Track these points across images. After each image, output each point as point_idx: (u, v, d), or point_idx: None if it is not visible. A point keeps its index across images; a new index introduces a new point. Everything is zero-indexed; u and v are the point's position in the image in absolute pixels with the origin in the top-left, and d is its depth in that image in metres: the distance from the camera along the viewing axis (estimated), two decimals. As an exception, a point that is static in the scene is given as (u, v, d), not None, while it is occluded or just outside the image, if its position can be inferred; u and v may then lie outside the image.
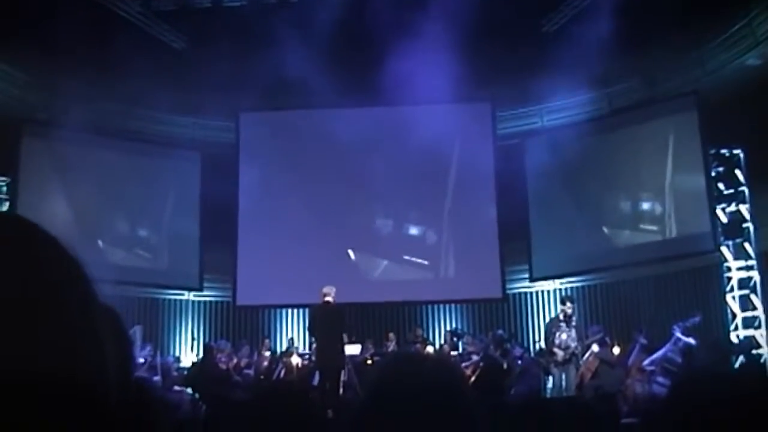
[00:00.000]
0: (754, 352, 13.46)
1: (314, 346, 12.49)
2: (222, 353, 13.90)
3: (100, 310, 0.70)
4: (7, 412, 0.60)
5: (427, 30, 13.63)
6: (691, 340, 12.02)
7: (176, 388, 13.10)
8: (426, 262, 16.81)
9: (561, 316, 12.70)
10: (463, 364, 13.01)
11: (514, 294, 17.29)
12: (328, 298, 11.85)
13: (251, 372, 14.08)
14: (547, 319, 15.66)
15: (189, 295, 17.46)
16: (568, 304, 12.97)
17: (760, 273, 13.98)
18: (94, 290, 0.70)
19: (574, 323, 12.66)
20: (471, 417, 1.43)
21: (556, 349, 12.42)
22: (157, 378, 12.97)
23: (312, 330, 12.34)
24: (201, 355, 14.74)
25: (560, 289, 16.81)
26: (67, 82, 14.98)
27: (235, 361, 14.01)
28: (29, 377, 0.61)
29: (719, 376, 1.64)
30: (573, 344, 12.33)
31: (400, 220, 16.95)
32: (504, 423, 2.15)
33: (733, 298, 14.20)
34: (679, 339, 11.96)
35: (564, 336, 12.42)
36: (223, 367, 13.53)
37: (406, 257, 16.86)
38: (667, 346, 12.02)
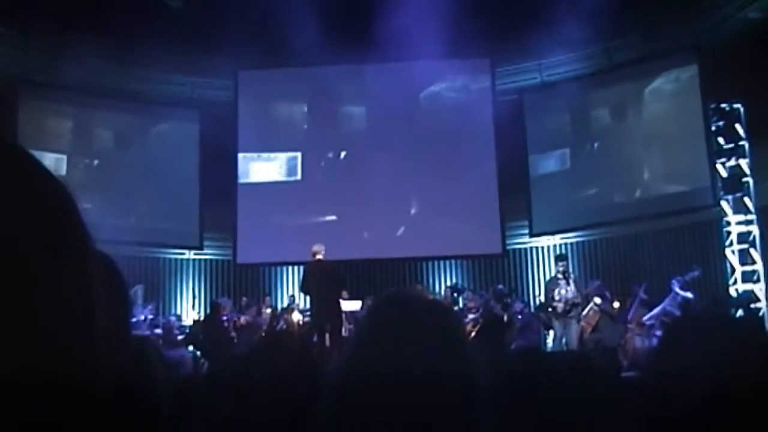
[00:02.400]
0: (752, 306, 13.51)
1: (311, 304, 12.53)
2: (222, 310, 13.98)
3: (94, 252, 0.68)
4: None
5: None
6: (689, 295, 12.09)
7: (178, 346, 13.18)
8: (426, 218, 16.81)
9: (559, 275, 12.78)
10: (467, 324, 13.06)
11: (513, 249, 17.33)
12: (319, 256, 11.90)
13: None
14: (547, 274, 15.77)
15: (189, 254, 17.51)
16: (561, 263, 13.05)
17: (759, 227, 13.98)
18: (86, 227, 0.68)
19: (572, 278, 12.75)
20: (466, 360, 1.43)
21: (556, 303, 12.50)
22: (159, 335, 13.06)
23: (304, 288, 12.35)
24: (207, 311, 14.82)
25: (560, 245, 16.85)
26: (64, 43, 14.88)
27: (242, 320, 14.07)
28: (11, 326, 0.60)
29: (713, 321, 1.64)
30: (571, 296, 12.41)
31: (399, 176, 16.89)
32: (503, 377, 2.16)
33: (733, 252, 14.22)
34: (677, 294, 12.02)
35: (563, 291, 12.49)
36: (226, 324, 13.61)
37: (406, 213, 16.86)
38: (667, 300, 12.09)
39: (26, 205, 0.64)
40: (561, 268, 12.86)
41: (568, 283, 12.58)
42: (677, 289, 12.09)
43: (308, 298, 12.97)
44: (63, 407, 0.62)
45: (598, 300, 12.31)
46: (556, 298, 12.55)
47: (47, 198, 0.66)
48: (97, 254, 0.69)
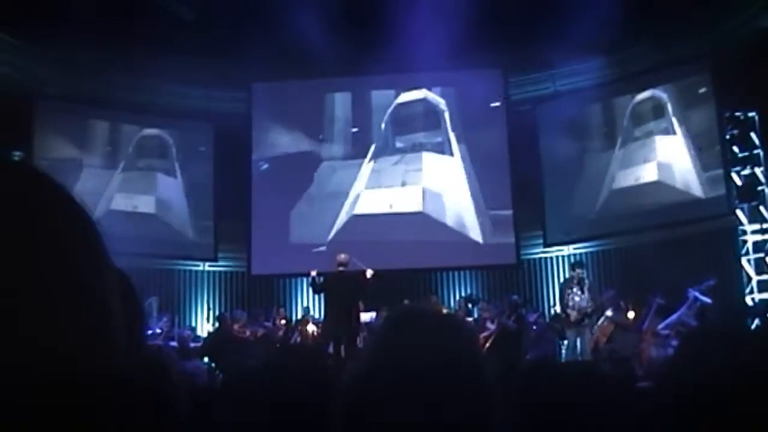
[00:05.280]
0: (769, 315, 13.44)
1: (327, 314, 12.57)
2: (238, 323, 13.97)
3: (112, 270, 0.69)
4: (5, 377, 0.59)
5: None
6: (708, 300, 12.04)
7: (193, 358, 13.18)
8: (440, 230, 16.81)
9: (573, 281, 12.78)
10: (481, 335, 13.04)
11: (528, 260, 17.29)
12: (342, 267, 11.97)
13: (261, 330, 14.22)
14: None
15: (204, 266, 17.53)
16: (579, 269, 13.05)
17: (775, 236, 13.93)
18: (105, 248, 0.69)
19: (587, 286, 12.74)
20: (481, 375, 1.44)
21: (569, 311, 12.51)
22: (173, 347, 13.07)
23: (317, 291, 12.47)
24: (216, 325, 14.84)
25: (574, 255, 16.80)
26: (77, 56, 14.97)
27: (248, 333, 14.06)
28: (26, 338, 0.60)
29: (729, 332, 1.64)
30: (585, 304, 12.42)
31: (414, 188, 16.94)
32: (516, 387, 2.16)
33: (748, 261, 14.15)
34: (696, 299, 11.96)
35: (577, 298, 12.51)
36: (240, 336, 13.60)
37: (420, 225, 16.85)
38: (682, 309, 12.02)
39: (44, 223, 0.65)
40: (577, 274, 12.89)
41: (582, 291, 12.58)
42: (697, 294, 12.04)
43: (323, 307, 13.05)
44: (81, 420, 0.63)
45: (609, 312, 12.29)
46: (570, 304, 12.57)
47: (64, 216, 0.67)
48: (114, 269, 0.70)
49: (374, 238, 16.28)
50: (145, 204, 16.62)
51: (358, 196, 17.10)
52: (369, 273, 12.33)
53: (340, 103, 17.65)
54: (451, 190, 16.85)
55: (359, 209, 17.01)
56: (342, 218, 17.00)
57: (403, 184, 17.04)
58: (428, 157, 17.09)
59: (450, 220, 16.81)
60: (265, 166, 17.40)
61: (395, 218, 16.84)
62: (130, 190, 16.55)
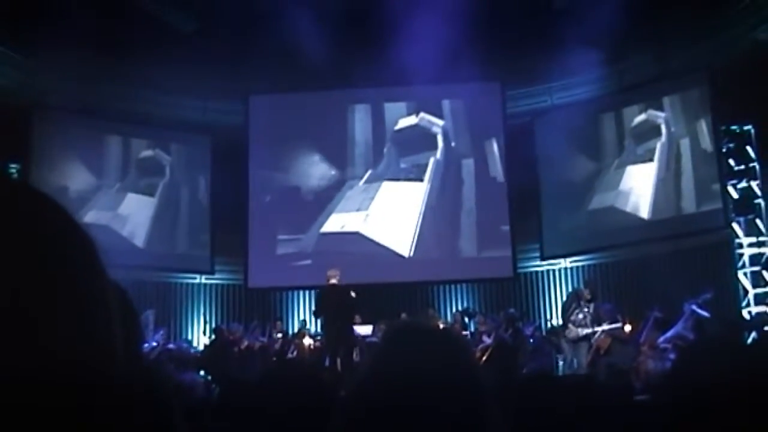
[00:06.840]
0: (766, 328, 13.42)
1: (324, 328, 12.57)
2: (234, 336, 13.97)
3: (110, 284, 0.69)
4: (8, 391, 0.59)
5: (436, 8, 13.56)
6: (705, 313, 12.05)
7: (189, 370, 13.16)
8: (437, 243, 16.82)
9: (582, 298, 12.83)
10: (478, 347, 13.03)
11: (525, 273, 17.28)
12: (333, 281, 11.96)
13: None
14: (558, 297, 15.79)
15: (201, 279, 17.51)
16: (588, 290, 13.11)
17: (771, 249, 13.93)
18: (103, 264, 0.70)
19: (592, 307, 12.76)
20: (478, 389, 1.43)
21: (570, 326, 12.52)
22: (170, 360, 13.05)
23: (317, 313, 12.44)
24: (212, 338, 14.83)
25: (571, 268, 16.80)
26: (75, 67, 14.97)
27: (246, 343, 14.06)
28: (31, 353, 0.61)
29: (727, 345, 1.64)
30: (587, 323, 12.43)
31: (411, 201, 16.95)
32: (514, 401, 2.16)
33: (745, 274, 14.14)
34: (693, 312, 11.96)
35: (581, 316, 12.51)
36: (235, 349, 13.60)
37: (418, 238, 16.86)
38: (680, 323, 12.02)
39: (44, 235, 0.65)
40: (586, 293, 12.96)
41: (589, 310, 12.61)
42: (695, 307, 12.04)
43: (320, 322, 13.03)
44: (79, 423, 0.63)
45: (606, 325, 12.31)
46: (572, 318, 12.60)
47: (63, 229, 0.68)
48: (110, 280, 0.70)
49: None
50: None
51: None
52: (352, 294, 12.32)
53: (343, 118, 17.67)
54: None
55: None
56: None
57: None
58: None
59: (446, 233, 16.81)
60: (268, 198, 17.44)
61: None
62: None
